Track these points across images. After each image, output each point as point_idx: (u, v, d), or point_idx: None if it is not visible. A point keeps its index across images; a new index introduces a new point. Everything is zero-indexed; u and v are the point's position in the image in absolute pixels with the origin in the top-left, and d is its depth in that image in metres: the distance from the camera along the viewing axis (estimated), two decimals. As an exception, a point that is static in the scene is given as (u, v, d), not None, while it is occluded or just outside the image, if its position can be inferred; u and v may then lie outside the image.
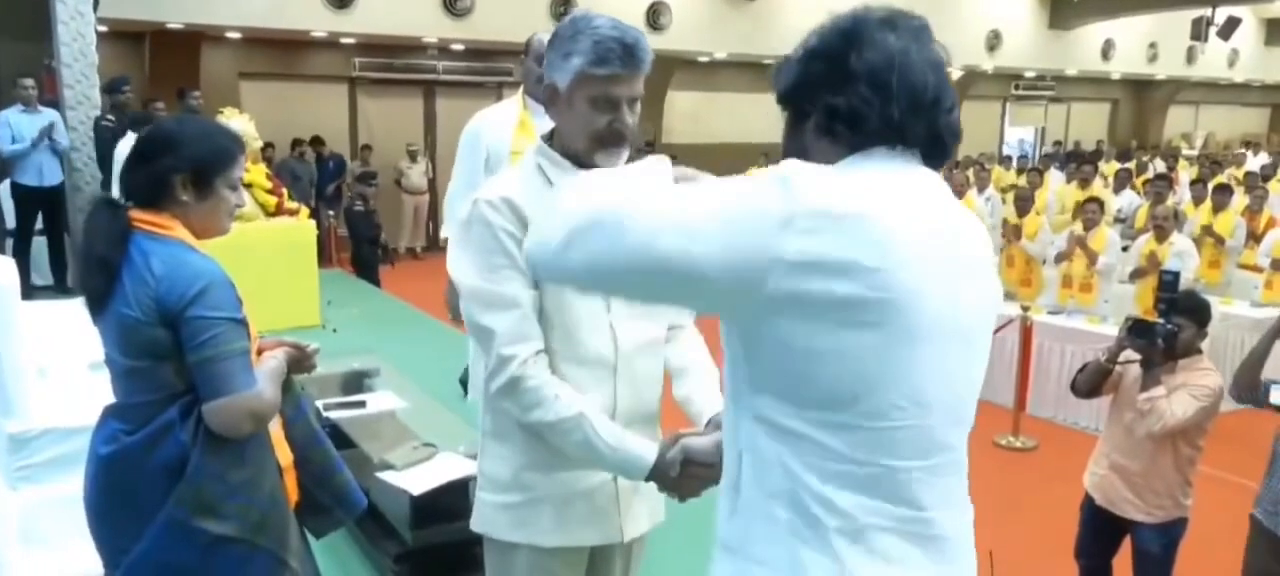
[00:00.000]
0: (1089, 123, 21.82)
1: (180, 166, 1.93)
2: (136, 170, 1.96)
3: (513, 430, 1.82)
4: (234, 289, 1.92)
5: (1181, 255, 6.74)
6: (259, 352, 2.04)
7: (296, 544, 2.08)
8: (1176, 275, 3.52)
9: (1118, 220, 9.61)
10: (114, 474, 1.92)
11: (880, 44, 1.25)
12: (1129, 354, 3.46)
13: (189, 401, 1.89)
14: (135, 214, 1.92)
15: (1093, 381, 3.60)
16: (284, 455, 2.08)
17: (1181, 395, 3.31)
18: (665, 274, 1.15)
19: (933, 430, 1.23)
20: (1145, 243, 7.12)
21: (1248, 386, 3.30)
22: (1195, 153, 19.88)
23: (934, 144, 1.27)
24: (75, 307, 4.40)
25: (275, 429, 2.07)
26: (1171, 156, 17.46)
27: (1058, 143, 20.42)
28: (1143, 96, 22.18)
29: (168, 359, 1.87)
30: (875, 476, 1.21)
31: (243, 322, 1.91)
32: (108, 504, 1.95)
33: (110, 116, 7.64)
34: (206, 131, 2.04)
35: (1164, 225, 6.99)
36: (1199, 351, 3.49)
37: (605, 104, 1.75)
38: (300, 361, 2.12)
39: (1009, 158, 17.62)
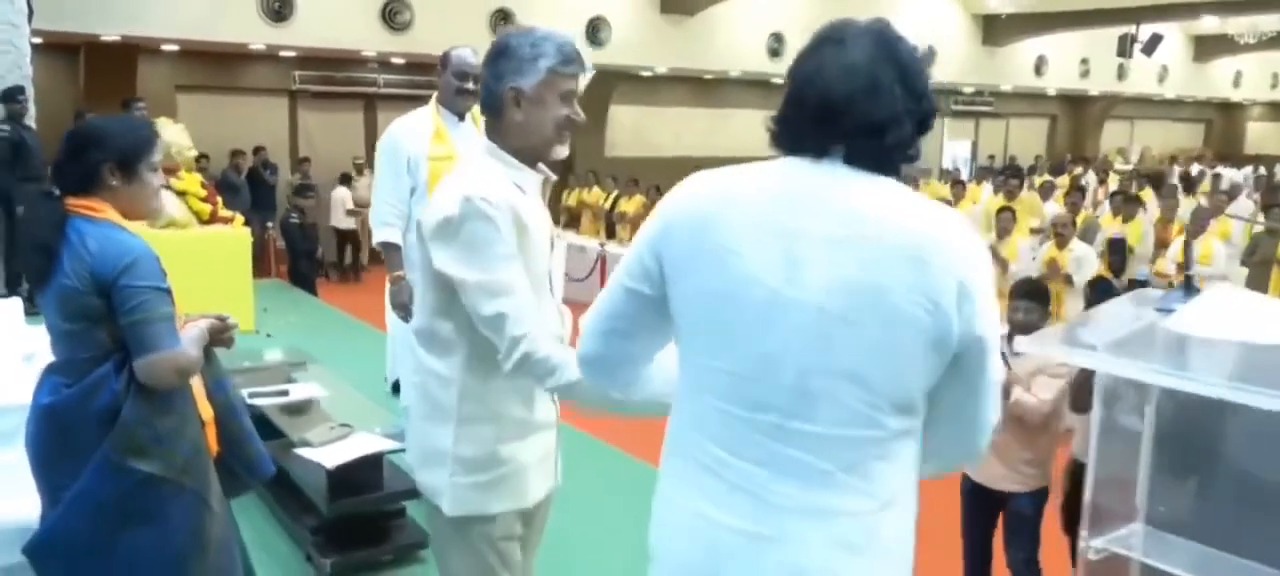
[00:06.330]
0: (1027, 138, 22.34)
1: (108, 156, 2.20)
2: (69, 163, 2.21)
3: (485, 414, 2.01)
4: (159, 262, 2.18)
5: (1079, 260, 7.07)
6: (184, 326, 2.28)
7: (218, 490, 2.35)
8: None
9: (1033, 231, 9.94)
10: (55, 421, 2.18)
11: (805, 53, 1.42)
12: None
13: (120, 359, 2.15)
14: (70, 201, 2.19)
15: None
16: (206, 411, 2.35)
17: (1041, 379, 3.47)
18: (642, 326, 1.55)
19: (746, 380, 1.39)
20: (1047, 249, 7.45)
21: (1085, 404, 3.27)
22: (1130, 167, 20.43)
23: (872, 158, 1.37)
24: (10, 307, 4.53)
25: (198, 387, 2.33)
26: (1105, 170, 17.96)
27: (991, 156, 20.89)
28: (1078, 112, 22.77)
29: (101, 322, 2.13)
30: (703, 412, 1.45)
31: (167, 291, 2.17)
32: (49, 448, 2.20)
33: (5, 126, 7.60)
34: (128, 126, 2.35)
35: (1063, 232, 7.33)
36: None
37: (570, 98, 2.02)
38: (220, 333, 2.36)
39: (948, 172, 18.02)
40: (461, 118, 3.70)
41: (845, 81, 1.35)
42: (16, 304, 4.47)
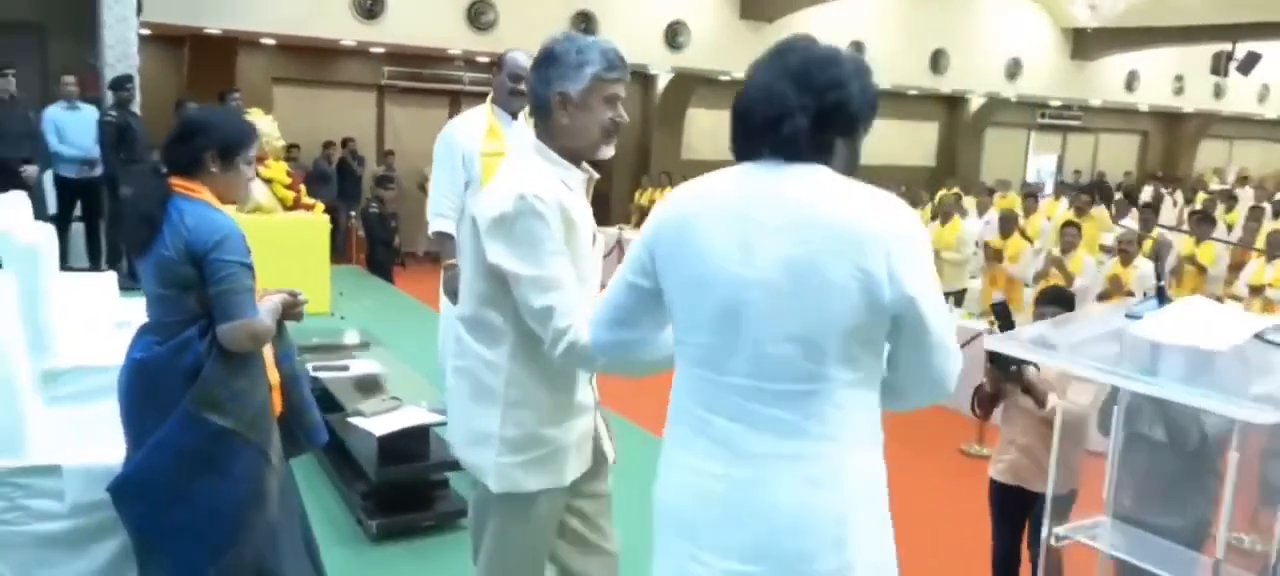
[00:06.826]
0: (1118, 154, 21.84)
1: (212, 144, 2.50)
2: (177, 146, 2.51)
3: (529, 398, 2.16)
4: (245, 240, 2.48)
5: (1143, 278, 7.00)
6: (261, 299, 2.57)
7: (278, 447, 2.63)
8: (1004, 303, 3.77)
9: (1103, 248, 9.84)
10: (145, 374, 2.46)
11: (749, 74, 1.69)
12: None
13: (205, 324, 2.44)
14: (174, 180, 2.49)
15: (987, 407, 3.88)
16: (273, 376, 2.63)
17: (1074, 384, 3.49)
18: (642, 315, 1.81)
19: (716, 350, 1.64)
20: (1111, 265, 7.40)
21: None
22: (1225, 187, 19.82)
23: (784, 150, 1.61)
24: (107, 280, 4.94)
25: (268, 354, 2.61)
26: (1194, 190, 17.45)
27: (1077, 172, 20.48)
28: (1172, 129, 22.17)
29: (192, 290, 2.42)
30: (689, 380, 1.70)
31: (250, 267, 2.46)
32: (138, 397, 2.49)
33: (113, 111, 8.15)
34: (230, 118, 2.70)
35: (1128, 249, 7.27)
36: None
37: (614, 102, 2.17)
38: (291, 307, 2.66)
39: (1030, 184, 17.70)
40: (515, 117, 3.94)
41: (750, 93, 1.66)
42: (112, 277, 4.89)
